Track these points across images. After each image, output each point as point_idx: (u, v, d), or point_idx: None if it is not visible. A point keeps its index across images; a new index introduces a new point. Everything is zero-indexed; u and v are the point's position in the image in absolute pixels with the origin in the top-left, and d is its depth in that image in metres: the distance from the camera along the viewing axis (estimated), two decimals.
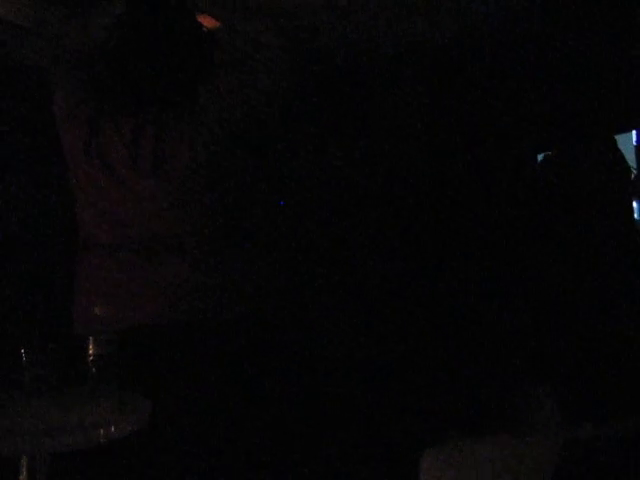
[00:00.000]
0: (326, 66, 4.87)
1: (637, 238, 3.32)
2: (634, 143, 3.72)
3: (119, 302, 1.84)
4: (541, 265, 3.39)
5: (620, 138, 3.61)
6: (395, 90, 5.24)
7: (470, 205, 4.93)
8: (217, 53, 1.92)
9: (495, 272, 4.48)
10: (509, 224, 4.29)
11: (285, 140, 4.54)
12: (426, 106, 5.04)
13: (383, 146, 5.14)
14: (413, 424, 3.08)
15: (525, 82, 4.72)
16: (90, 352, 1.72)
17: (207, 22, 1.92)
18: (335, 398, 3.54)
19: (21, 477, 1.59)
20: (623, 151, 3.45)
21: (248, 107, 1.85)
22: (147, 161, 1.83)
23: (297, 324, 3.93)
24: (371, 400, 3.43)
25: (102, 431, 1.55)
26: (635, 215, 3.58)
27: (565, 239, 3.28)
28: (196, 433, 1.81)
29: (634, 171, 3.43)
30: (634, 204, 3.56)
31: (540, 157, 3.60)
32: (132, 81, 1.83)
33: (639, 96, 3.86)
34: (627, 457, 1.82)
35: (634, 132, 3.74)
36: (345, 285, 4.64)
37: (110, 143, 1.85)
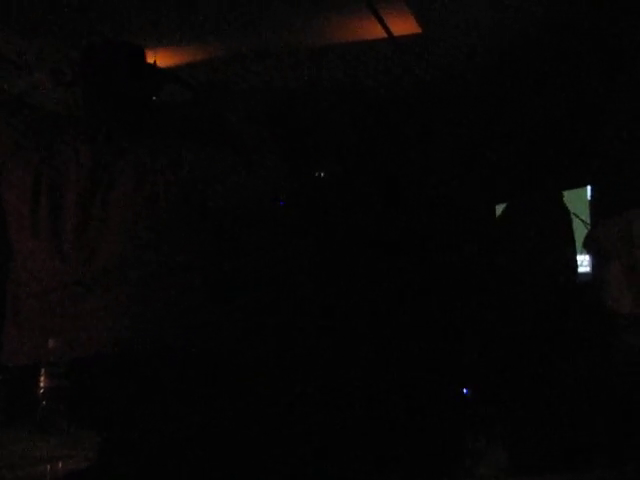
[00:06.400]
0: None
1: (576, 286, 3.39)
2: (588, 198, 3.81)
3: (69, 334, 1.80)
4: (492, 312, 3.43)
5: (575, 193, 3.71)
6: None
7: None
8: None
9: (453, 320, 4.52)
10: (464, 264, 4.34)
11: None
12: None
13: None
14: (373, 470, 3.05)
15: (486, 133, 4.83)
16: (41, 384, 1.68)
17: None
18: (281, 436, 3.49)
19: None
20: (577, 206, 3.53)
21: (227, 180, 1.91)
22: (102, 191, 1.82)
23: (238, 355, 3.88)
24: (327, 449, 3.39)
25: (49, 467, 1.51)
26: (587, 268, 3.65)
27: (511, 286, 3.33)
28: (146, 468, 1.77)
29: (587, 226, 3.50)
30: (586, 257, 3.64)
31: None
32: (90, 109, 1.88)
33: (592, 152, 3.97)
34: None
35: (589, 187, 3.83)
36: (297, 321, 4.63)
37: (66, 167, 1.85)
